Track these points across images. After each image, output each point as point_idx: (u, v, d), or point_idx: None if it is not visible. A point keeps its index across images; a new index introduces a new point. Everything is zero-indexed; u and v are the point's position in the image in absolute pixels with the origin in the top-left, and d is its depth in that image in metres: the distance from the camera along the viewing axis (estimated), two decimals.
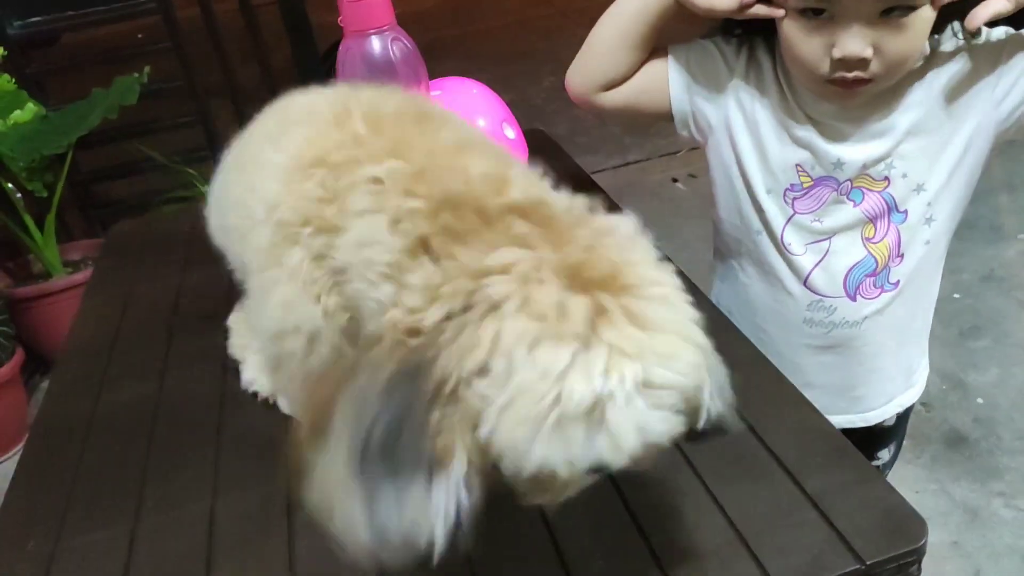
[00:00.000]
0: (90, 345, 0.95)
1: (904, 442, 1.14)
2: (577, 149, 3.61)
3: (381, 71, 0.90)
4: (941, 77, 0.87)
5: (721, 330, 0.68)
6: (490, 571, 0.60)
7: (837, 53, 0.77)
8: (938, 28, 0.84)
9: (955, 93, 0.87)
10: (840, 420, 1.00)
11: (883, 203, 0.91)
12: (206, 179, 2.43)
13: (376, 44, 0.89)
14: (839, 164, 0.90)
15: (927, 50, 0.87)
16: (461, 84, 1.14)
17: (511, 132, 1.15)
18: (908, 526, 0.58)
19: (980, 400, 1.91)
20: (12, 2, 2.24)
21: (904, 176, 0.89)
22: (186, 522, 0.68)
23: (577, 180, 1.19)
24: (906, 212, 0.91)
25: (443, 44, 4.71)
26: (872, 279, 0.94)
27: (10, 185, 2.07)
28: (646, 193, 3.05)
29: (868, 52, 0.76)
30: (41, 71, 2.39)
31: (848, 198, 0.91)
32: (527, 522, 0.64)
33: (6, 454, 2.01)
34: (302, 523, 0.66)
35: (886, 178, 0.90)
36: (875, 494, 0.61)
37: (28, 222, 2.11)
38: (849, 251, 0.93)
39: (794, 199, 0.93)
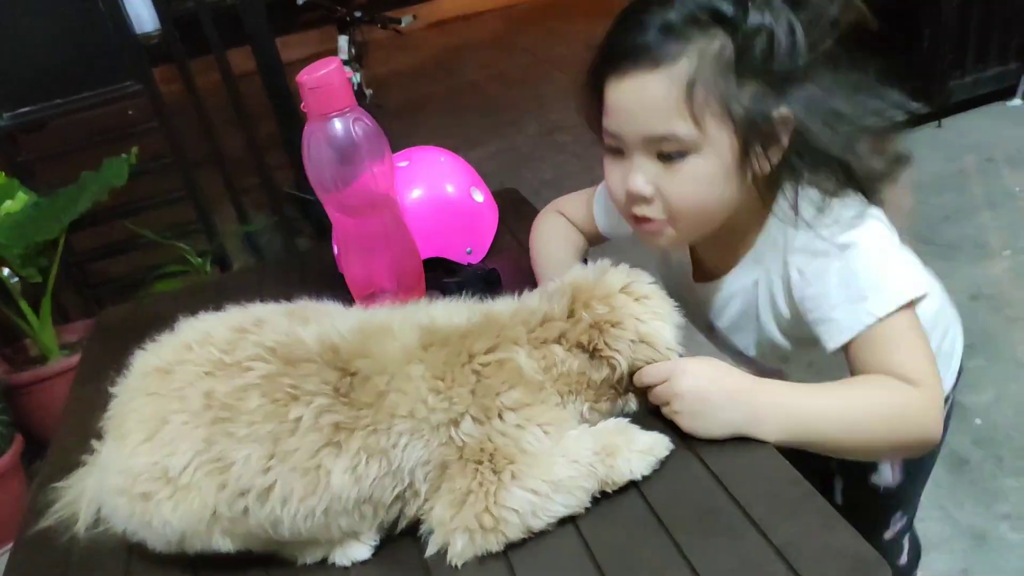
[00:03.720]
0: (79, 434, 0.96)
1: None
2: (565, 193, 3.66)
3: (345, 150, 0.94)
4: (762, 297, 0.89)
5: None
6: None
7: (625, 187, 0.82)
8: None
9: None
10: None
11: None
12: (198, 252, 2.48)
13: (338, 125, 0.93)
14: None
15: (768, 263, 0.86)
16: (428, 153, 1.18)
17: (479, 195, 1.18)
18: (872, 572, 0.59)
19: (978, 421, 1.91)
20: (1, 94, 2.30)
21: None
22: None
23: None
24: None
25: (429, 100, 4.81)
26: None
27: (5, 272, 2.11)
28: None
29: (647, 190, 0.80)
30: (31, 159, 2.44)
31: None
32: None
33: (7, 543, 2.01)
34: None
35: None
36: (840, 541, 0.62)
37: (23, 307, 2.13)
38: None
39: None
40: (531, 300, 0.78)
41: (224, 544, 0.67)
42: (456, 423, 0.67)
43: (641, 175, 0.80)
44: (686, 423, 0.73)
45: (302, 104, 0.93)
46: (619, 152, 0.82)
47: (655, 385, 0.75)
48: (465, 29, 6.30)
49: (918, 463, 1.10)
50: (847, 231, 0.78)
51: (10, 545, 2.02)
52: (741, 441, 0.73)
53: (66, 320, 2.45)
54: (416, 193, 1.12)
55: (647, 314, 0.75)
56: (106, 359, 1.12)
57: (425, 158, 1.17)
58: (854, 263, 0.77)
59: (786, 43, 0.74)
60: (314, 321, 0.71)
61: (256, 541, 0.68)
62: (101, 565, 0.76)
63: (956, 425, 1.90)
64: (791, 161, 0.79)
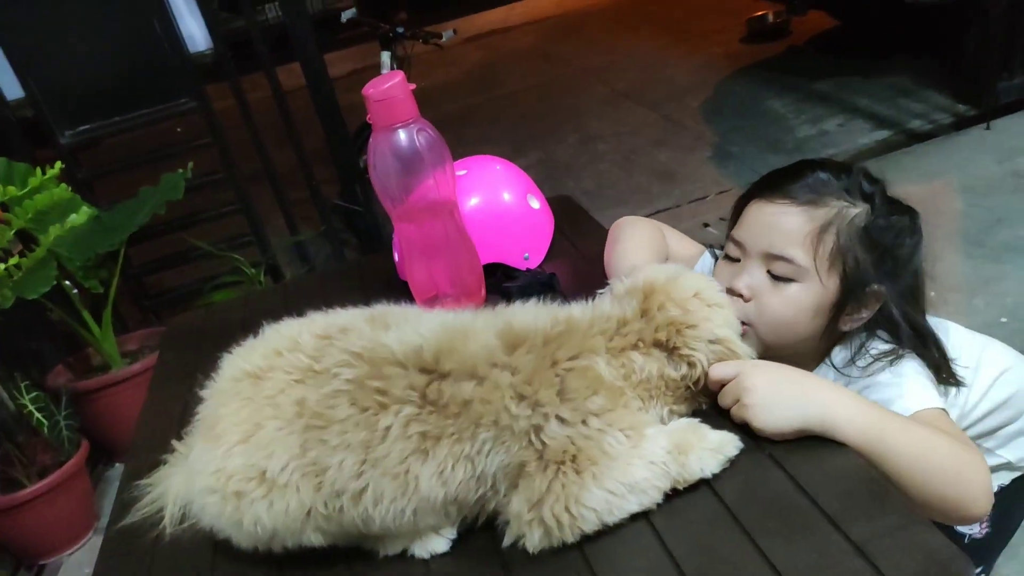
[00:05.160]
0: (157, 435, 1.00)
1: None
2: (606, 202, 3.66)
3: (409, 160, 0.96)
4: None
5: None
6: None
7: (728, 284, 0.92)
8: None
9: None
10: None
11: None
12: (251, 263, 2.55)
13: (403, 136, 0.95)
14: None
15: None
16: (485, 162, 1.20)
17: (535, 202, 1.20)
18: (951, 568, 0.59)
19: None
20: (63, 112, 2.39)
21: None
22: None
23: (603, 242, 1.22)
24: None
25: (469, 112, 4.85)
26: None
27: (67, 283, 2.18)
28: None
29: (747, 292, 0.91)
30: (91, 175, 2.52)
31: None
32: (574, 573, 0.66)
33: (77, 544, 2.08)
34: None
35: None
36: (918, 538, 0.62)
37: (86, 317, 2.20)
38: None
39: None
40: (603, 305, 0.80)
41: (315, 539, 0.69)
42: (539, 428, 0.68)
43: (748, 279, 0.92)
44: (757, 417, 0.74)
45: (367, 116, 0.96)
46: (735, 261, 0.94)
47: (725, 383, 0.76)
48: (501, 42, 6.35)
49: (1007, 518, 1.09)
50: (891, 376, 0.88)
51: (79, 544, 2.10)
52: (813, 441, 0.74)
53: (125, 330, 2.52)
54: (474, 201, 1.15)
55: (720, 320, 0.77)
56: (181, 364, 1.17)
57: (482, 167, 1.19)
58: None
59: (907, 243, 0.90)
60: (395, 326, 0.73)
61: (345, 536, 0.70)
62: (186, 560, 0.79)
63: None
64: (866, 329, 0.92)
